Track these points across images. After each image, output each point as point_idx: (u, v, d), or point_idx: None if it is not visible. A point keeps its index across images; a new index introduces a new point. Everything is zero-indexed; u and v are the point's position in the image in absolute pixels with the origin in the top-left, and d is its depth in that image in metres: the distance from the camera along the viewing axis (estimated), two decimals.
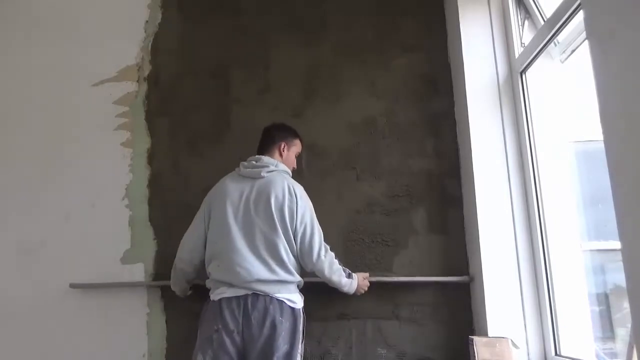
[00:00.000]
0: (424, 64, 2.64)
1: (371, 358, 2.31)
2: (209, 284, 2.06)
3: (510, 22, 2.41)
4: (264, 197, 2.04)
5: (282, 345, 1.88)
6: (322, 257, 2.03)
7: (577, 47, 2.06)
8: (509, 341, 2.04)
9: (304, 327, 2.00)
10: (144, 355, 2.37)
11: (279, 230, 2.00)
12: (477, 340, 2.05)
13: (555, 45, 2.13)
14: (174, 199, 2.52)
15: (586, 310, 2.06)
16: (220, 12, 2.79)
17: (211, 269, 2.04)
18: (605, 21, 1.38)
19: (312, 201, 2.13)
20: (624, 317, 1.99)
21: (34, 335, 2.42)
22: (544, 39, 2.10)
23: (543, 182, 2.20)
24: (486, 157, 2.32)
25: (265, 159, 2.14)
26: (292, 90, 2.65)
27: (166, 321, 2.41)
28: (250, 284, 1.93)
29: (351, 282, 2.13)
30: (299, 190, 2.10)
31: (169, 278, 2.23)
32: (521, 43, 2.36)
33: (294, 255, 2.03)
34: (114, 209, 2.53)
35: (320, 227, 2.08)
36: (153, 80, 2.71)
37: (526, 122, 2.28)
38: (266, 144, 2.22)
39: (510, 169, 2.30)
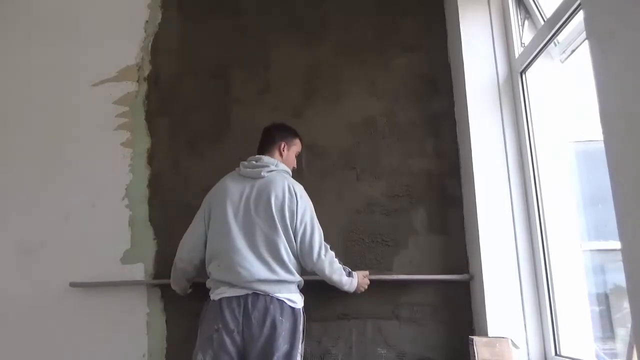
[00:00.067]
0: (424, 64, 2.64)
1: (371, 358, 2.31)
2: (209, 283, 2.06)
3: (510, 22, 2.41)
4: (264, 196, 2.04)
5: (282, 345, 1.88)
6: (323, 256, 2.04)
7: (577, 47, 2.06)
8: (509, 341, 2.04)
9: (304, 327, 2.00)
10: (144, 355, 2.37)
11: (279, 230, 2.00)
12: (477, 340, 2.05)
13: (555, 45, 2.13)
14: (174, 199, 2.52)
15: (586, 310, 2.06)
16: (220, 12, 2.79)
17: (211, 269, 2.04)
18: (605, 21, 1.38)
19: (312, 201, 2.13)
20: (624, 317, 1.99)
21: (33, 335, 2.42)
22: (544, 39, 2.10)
23: (543, 182, 2.20)
24: (486, 157, 2.32)
25: (266, 158, 2.14)
26: (292, 90, 2.65)
27: (166, 321, 2.41)
28: (250, 283, 1.94)
29: (351, 281, 2.13)
30: (299, 189, 2.10)
31: (169, 278, 2.23)
32: (521, 43, 2.36)
33: (294, 255, 2.03)
34: (114, 209, 2.53)
35: (320, 227, 2.08)
36: (153, 80, 2.71)
37: (526, 122, 2.28)
38: (266, 143, 2.22)
39: (510, 169, 2.30)
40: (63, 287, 2.44)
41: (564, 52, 2.14)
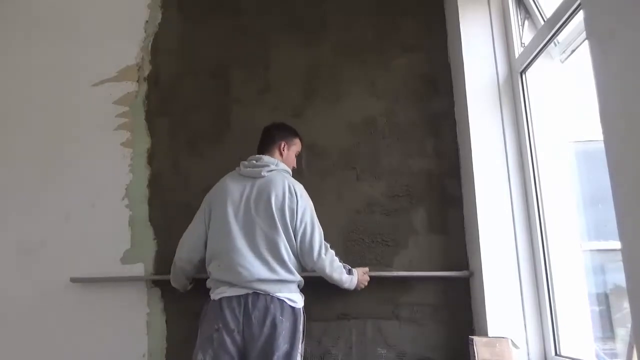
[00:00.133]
0: (424, 64, 2.64)
1: (371, 358, 2.31)
2: (209, 283, 2.06)
3: (510, 22, 2.41)
4: (264, 196, 2.04)
5: (282, 345, 1.89)
6: (323, 255, 2.04)
7: (577, 47, 2.06)
8: (509, 341, 2.04)
9: (304, 327, 2.00)
10: (144, 355, 2.37)
11: (279, 229, 2.00)
12: (477, 340, 2.05)
13: (555, 45, 2.13)
14: (174, 199, 2.52)
15: (586, 310, 2.06)
16: (220, 12, 2.79)
17: (212, 269, 2.04)
18: (605, 21, 1.38)
19: (312, 201, 2.13)
20: (624, 317, 1.99)
21: (34, 335, 2.42)
22: (544, 39, 2.10)
23: (543, 182, 2.20)
24: (486, 157, 2.32)
25: (266, 158, 2.14)
26: (292, 90, 2.65)
27: (166, 321, 2.41)
28: (250, 283, 1.94)
29: (351, 278, 2.14)
30: (299, 189, 2.10)
31: (168, 280, 2.24)
32: (521, 43, 2.36)
33: (294, 254, 2.03)
34: (114, 209, 2.53)
35: (320, 226, 2.09)
36: (153, 80, 2.71)
37: (526, 122, 2.28)
38: (266, 143, 2.22)
39: (510, 169, 2.30)
40: (63, 287, 2.44)
41: (564, 52, 2.14)
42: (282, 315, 1.92)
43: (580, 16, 1.85)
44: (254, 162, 2.13)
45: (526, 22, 2.37)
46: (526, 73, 2.32)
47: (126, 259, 2.48)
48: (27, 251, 2.51)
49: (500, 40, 2.44)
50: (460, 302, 2.35)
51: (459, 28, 2.45)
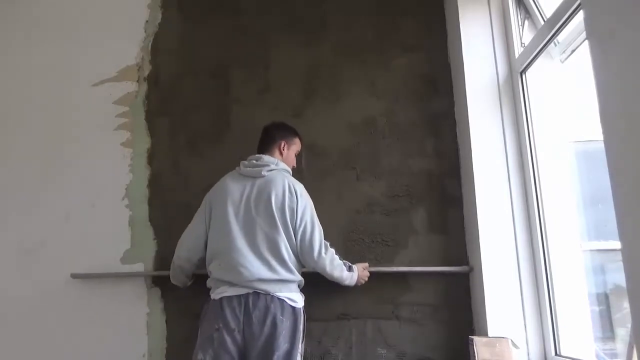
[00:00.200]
0: (424, 64, 2.64)
1: (371, 358, 2.31)
2: (209, 283, 2.06)
3: (510, 22, 2.41)
4: (264, 195, 2.04)
5: (282, 344, 1.89)
6: (323, 254, 2.04)
7: (577, 47, 2.06)
8: (509, 341, 2.04)
9: (304, 327, 2.00)
10: (144, 355, 2.37)
11: (279, 229, 2.00)
12: (477, 340, 2.05)
13: (555, 45, 2.13)
14: (174, 199, 2.52)
15: (586, 310, 2.06)
16: (220, 12, 2.79)
17: (212, 268, 2.04)
18: (605, 21, 1.38)
19: (312, 201, 2.13)
20: (624, 317, 1.99)
21: (34, 335, 2.42)
22: (544, 39, 2.10)
23: (543, 182, 2.20)
24: (486, 157, 2.32)
25: (266, 157, 2.14)
26: (292, 90, 2.65)
27: (166, 321, 2.41)
28: (251, 282, 1.94)
29: (352, 275, 2.15)
30: (299, 188, 2.10)
31: (169, 278, 2.24)
32: (521, 43, 2.36)
33: (294, 254, 2.04)
34: (114, 209, 2.53)
35: (320, 225, 2.09)
36: (153, 80, 2.71)
37: (526, 122, 2.28)
38: (266, 143, 2.22)
39: (510, 169, 2.30)
40: (63, 287, 2.44)
41: (564, 52, 2.14)
42: (282, 314, 1.92)
43: (580, 16, 1.85)
44: (254, 161, 2.13)
45: (526, 22, 2.37)
46: (526, 73, 2.32)
47: (126, 259, 2.48)
48: (27, 251, 2.51)
49: (500, 40, 2.44)
50: (460, 302, 2.35)
51: (459, 28, 2.45)
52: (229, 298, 1.94)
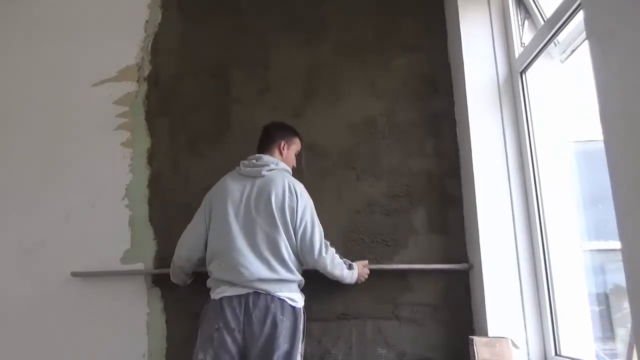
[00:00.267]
0: (424, 64, 2.64)
1: (371, 358, 2.31)
2: (209, 283, 2.06)
3: (510, 22, 2.41)
4: (264, 195, 2.04)
5: (282, 344, 1.89)
6: (324, 254, 2.05)
7: (577, 47, 2.06)
8: (509, 341, 2.04)
9: (304, 327, 2.00)
10: (144, 355, 2.37)
11: (279, 229, 2.00)
12: (477, 340, 2.05)
13: (555, 45, 2.13)
14: (174, 199, 2.52)
15: (586, 310, 2.06)
16: (220, 12, 2.79)
17: (212, 268, 2.04)
18: (605, 21, 1.38)
19: (312, 201, 2.13)
20: (624, 317, 1.99)
21: (33, 336, 2.42)
22: (544, 39, 2.10)
23: (543, 182, 2.20)
24: (486, 157, 2.32)
25: (266, 157, 2.14)
26: (292, 90, 2.65)
27: (166, 321, 2.41)
28: (251, 282, 1.94)
29: (352, 273, 2.16)
30: (299, 188, 2.10)
31: (169, 278, 2.25)
32: (521, 43, 2.36)
33: (294, 253, 2.04)
34: (114, 209, 2.53)
35: (320, 224, 2.09)
36: (153, 80, 2.71)
37: (526, 122, 2.28)
38: (266, 142, 2.23)
39: (510, 169, 2.30)
40: (63, 287, 2.44)
41: (564, 52, 2.14)
42: (282, 314, 1.92)
43: (580, 16, 1.85)
44: (254, 161, 2.13)
45: (526, 22, 2.37)
46: (526, 73, 2.32)
47: (126, 259, 2.48)
48: (27, 251, 2.51)
49: (500, 40, 2.44)
50: (460, 302, 2.35)
51: (459, 28, 2.45)
52: (229, 298, 1.94)
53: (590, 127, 2.01)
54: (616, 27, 1.32)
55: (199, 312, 2.06)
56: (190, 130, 2.63)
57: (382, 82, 2.63)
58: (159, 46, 2.76)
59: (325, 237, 2.10)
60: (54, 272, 2.46)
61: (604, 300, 2.25)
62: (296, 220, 2.03)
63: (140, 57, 2.74)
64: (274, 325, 1.90)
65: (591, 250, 2.26)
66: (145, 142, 2.62)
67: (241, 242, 1.99)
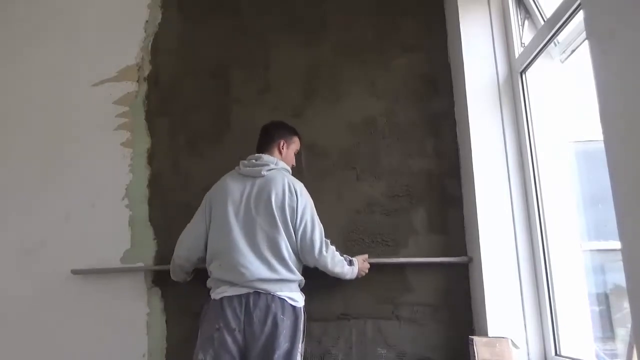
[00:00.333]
0: (424, 64, 2.64)
1: (371, 358, 2.31)
2: (209, 283, 2.06)
3: (510, 22, 2.41)
4: (264, 195, 2.04)
5: (283, 344, 1.89)
6: (324, 252, 2.05)
7: (577, 47, 2.06)
8: (509, 341, 2.04)
9: (304, 326, 2.01)
10: (144, 355, 2.37)
11: (280, 228, 2.01)
12: (477, 340, 2.05)
13: (555, 45, 2.13)
14: (174, 199, 2.52)
15: (586, 310, 2.06)
16: (220, 12, 2.79)
17: (212, 268, 2.04)
18: (605, 21, 1.38)
19: (312, 200, 2.13)
20: (624, 317, 1.99)
21: (33, 336, 2.42)
22: (544, 39, 2.10)
23: (543, 182, 2.20)
24: (486, 157, 2.31)
25: (265, 157, 2.14)
26: (292, 90, 2.65)
27: (166, 321, 2.41)
28: (252, 282, 1.94)
29: (352, 269, 2.17)
30: (299, 187, 2.11)
31: (169, 277, 2.25)
32: (521, 43, 2.36)
33: (294, 253, 2.04)
34: (114, 209, 2.53)
35: (320, 223, 2.10)
36: (153, 80, 2.71)
37: (526, 122, 2.28)
38: (265, 142, 2.23)
39: (510, 169, 2.30)
40: (63, 287, 2.44)
41: (564, 52, 2.14)
42: (283, 314, 1.93)
43: (580, 16, 1.85)
44: (254, 161, 2.14)
45: (526, 22, 2.37)
46: (526, 73, 2.31)
47: (126, 258, 2.48)
48: (27, 251, 2.51)
49: (500, 40, 2.44)
50: (460, 302, 2.35)
51: (459, 28, 2.45)
52: (230, 298, 1.94)
53: (590, 127, 2.01)
54: (616, 27, 1.32)
55: (199, 312, 2.06)
56: (190, 130, 2.63)
57: (382, 82, 2.63)
58: (159, 46, 2.76)
59: (325, 237, 2.10)
60: (54, 272, 2.46)
61: (604, 300, 2.25)
62: (296, 220, 2.03)
63: (140, 57, 2.74)
64: (275, 324, 1.90)
65: (591, 250, 2.26)
66: (145, 142, 2.62)
67: (241, 242, 1.99)
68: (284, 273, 1.98)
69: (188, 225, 2.16)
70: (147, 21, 2.79)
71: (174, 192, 2.54)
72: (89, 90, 2.70)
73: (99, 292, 2.45)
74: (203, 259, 2.11)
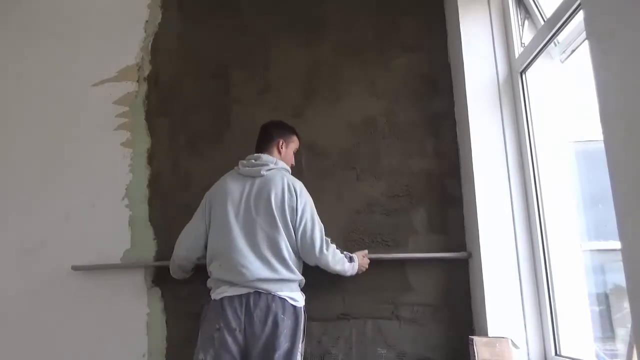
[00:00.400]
0: (424, 64, 2.64)
1: (371, 358, 2.31)
2: (209, 283, 2.06)
3: (510, 22, 2.40)
4: (264, 195, 2.04)
5: (283, 343, 1.89)
6: (325, 251, 2.06)
7: (577, 47, 2.06)
8: (509, 341, 2.04)
9: (305, 326, 2.01)
10: (144, 355, 2.37)
11: (280, 228, 2.01)
12: (477, 340, 2.05)
13: (555, 45, 2.13)
14: (174, 199, 2.52)
15: (586, 310, 2.06)
16: (220, 12, 2.79)
17: (212, 269, 2.04)
18: (605, 21, 1.38)
19: (312, 199, 2.13)
20: (624, 317, 1.99)
21: (33, 336, 2.42)
22: (544, 39, 2.09)
23: (543, 182, 2.20)
24: (486, 157, 2.31)
25: (265, 157, 2.14)
26: (292, 90, 2.65)
27: (166, 321, 2.41)
28: (252, 282, 1.94)
29: (353, 266, 2.17)
30: (299, 186, 2.11)
31: (169, 277, 2.25)
32: (521, 43, 2.36)
33: (294, 252, 2.04)
34: (114, 209, 2.53)
35: (320, 222, 2.10)
36: (153, 80, 2.71)
37: (526, 122, 2.28)
38: (264, 141, 2.23)
39: (510, 169, 2.30)
40: (63, 287, 2.44)
41: (564, 52, 2.14)
42: (283, 313, 1.93)
43: (580, 16, 1.85)
44: (253, 161, 2.14)
45: (526, 22, 2.37)
46: (526, 73, 2.31)
47: (126, 258, 2.48)
48: (27, 251, 2.51)
49: (500, 40, 2.44)
50: (460, 302, 2.35)
51: (459, 28, 2.45)
52: (230, 298, 1.94)
53: (590, 127, 2.01)
54: (616, 27, 1.32)
55: (199, 312, 2.06)
56: (190, 130, 2.63)
57: (382, 82, 2.63)
58: (159, 46, 2.76)
59: (326, 236, 2.10)
60: (54, 272, 2.46)
61: (604, 300, 2.25)
62: (296, 219, 2.04)
63: (140, 57, 2.74)
64: (275, 324, 1.90)
65: (591, 250, 2.26)
66: (145, 142, 2.62)
67: (241, 242, 1.99)
68: (284, 273, 1.98)
69: (187, 225, 2.16)
70: (147, 21, 2.79)
71: (174, 192, 2.54)
72: (89, 90, 2.70)
73: (99, 292, 2.44)
74: (203, 258, 2.11)
